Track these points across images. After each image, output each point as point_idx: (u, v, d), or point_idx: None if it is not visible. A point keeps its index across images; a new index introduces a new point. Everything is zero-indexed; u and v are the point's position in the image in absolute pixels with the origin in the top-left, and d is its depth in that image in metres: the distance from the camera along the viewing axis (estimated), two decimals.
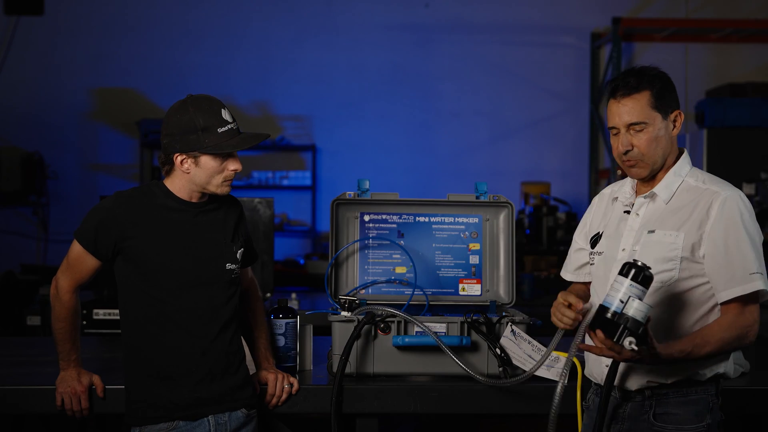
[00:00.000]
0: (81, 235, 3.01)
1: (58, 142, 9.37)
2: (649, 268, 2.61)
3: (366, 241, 3.70)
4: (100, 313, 5.34)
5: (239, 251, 3.10)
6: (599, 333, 2.60)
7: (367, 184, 3.68)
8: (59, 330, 3.07)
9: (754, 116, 7.96)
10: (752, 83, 8.49)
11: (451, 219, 3.74)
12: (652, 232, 2.82)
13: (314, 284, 7.46)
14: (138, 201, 2.98)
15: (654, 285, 2.74)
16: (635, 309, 2.54)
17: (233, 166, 2.98)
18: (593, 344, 2.66)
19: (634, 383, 2.83)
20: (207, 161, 2.94)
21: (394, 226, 3.72)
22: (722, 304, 2.75)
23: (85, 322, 5.32)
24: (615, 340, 2.56)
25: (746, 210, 2.77)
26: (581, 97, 9.63)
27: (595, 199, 3.13)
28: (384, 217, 3.72)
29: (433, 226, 3.74)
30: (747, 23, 9.20)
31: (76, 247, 3.03)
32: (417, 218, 3.73)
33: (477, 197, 3.70)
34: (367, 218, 3.71)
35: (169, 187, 3.01)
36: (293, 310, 3.45)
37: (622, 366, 2.79)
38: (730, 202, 2.76)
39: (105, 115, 9.46)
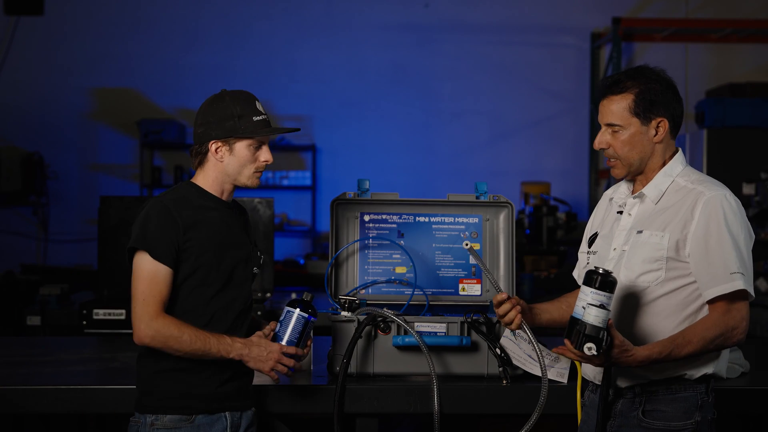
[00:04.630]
0: (149, 246, 2.85)
1: (58, 142, 9.37)
2: (610, 273, 2.67)
3: (366, 241, 3.70)
4: (100, 313, 5.34)
5: (261, 258, 3.14)
6: (567, 342, 2.69)
7: (367, 184, 3.68)
8: (196, 346, 2.85)
9: (754, 116, 7.96)
10: (752, 83, 8.49)
11: (451, 219, 3.74)
12: (641, 232, 2.86)
13: (314, 284, 7.46)
14: (182, 204, 2.95)
15: (641, 285, 2.80)
16: (593, 316, 2.63)
17: (264, 156, 3.01)
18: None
19: (623, 381, 2.86)
20: (241, 149, 2.96)
21: (394, 226, 3.72)
22: (709, 303, 2.78)
23: (85, 322, 5.32)
24: (575, 347, 2.65)
25: (731, 210, 2.78)
26: (581, 97, 9.63)
27: (600, 201, 3.17)
28: (384, 217, 3.72)
29: (433, 226, 3.74)
30: (747, 23, 9.21)
31: (148, 265, 2.85)
32: (417, 218, 3.73)
33: (477, 197, 3.71)
34: (367, 218, 3.71)
35: (200, 184, 3.01)
36: (314, 308, 3.12)
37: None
38: (713, 201, 2.77)
39: (105, 115, 9.46)
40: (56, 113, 9.38)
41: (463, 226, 3.74)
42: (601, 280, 2.65)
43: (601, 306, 2.63)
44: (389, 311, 3.37)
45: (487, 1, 9.60)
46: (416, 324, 3.39)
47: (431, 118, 9.59)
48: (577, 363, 2.98)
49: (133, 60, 9.40)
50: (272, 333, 3.02)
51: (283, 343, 2.97)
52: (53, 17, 9.19)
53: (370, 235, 3.70)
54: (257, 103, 3.01)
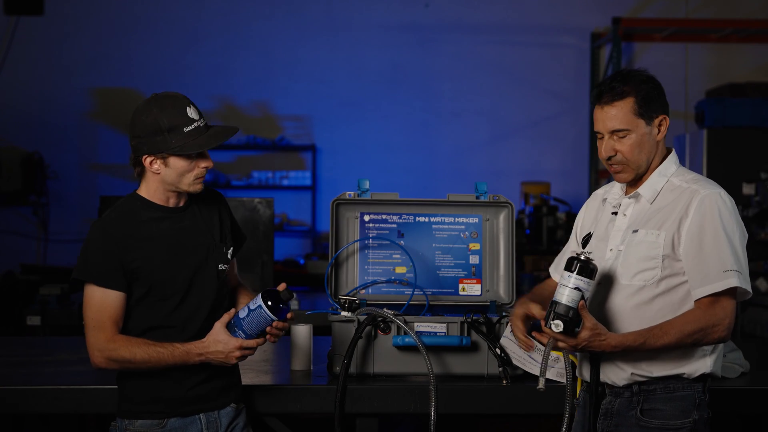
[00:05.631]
0: (92, 275, 2.84)
1: (58, 142, 9.37)
2: (590, 260, 2.74)
3: (366, 241, 3.70)
4: None
5: (229, 250, 3.07)
6: (542, 324, 2.78)
7: (367, 184, 3.68)
8: (152, 362, 2.85)
9: (754, 116, 7.96)
10: (752, 83, 8.49)
11: (451, 219, 3.74)
12: (636, 231, 2.87)
13: (314, 284, 7.46)
14: (127, 222, 2.91)
15: (637, 284, 2.82)
16: (565, 296, 2.72)
17: (204, 163, 2.93)
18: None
19: (620, 378, 2.86)
20: (176, 161, 2.89)
21: (394, 226, 3.72)
22: (696, 301, 2.78)
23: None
24: (546, 324, 2.73)
25: (725, 208, 2.79)
26: (581, 97, 9.63)
27: (588, 200, 3.18)
28: (384, 217, 3.72)
29: (433, 226, 3.74)
30: (747, 23, 9.21)
31: (95, 293, 2.84)
32: (417, 218, 3.73)
33: (477, 197, 3.71)
34: (367, 218, 3.71)
35: (144, 194, 2.96)
36: (287, 304, 2.95)
37: (603, 362, 2.86)
38: (708, 200, 2.79)
39: (105, 115, 9.46)
40: (56, 113, 9.38)
41: (463, 226, 3.74)
42: (580, 266, 2.72)
43: (576, 288, 2.71)
44: (389, 311, 3.37)
45: (487, 1, 9.60)
46: (416, 324, 3.39)
47: (431, 118, 9.59)
48: (576, 362, 2.98)
49: (133, 60, 9.40)
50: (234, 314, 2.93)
51: (243, 336, 2.89)
52: (53, 17, 9.19)
53: (370, 235, 3.70)
54: (189, 108, 2.90)
